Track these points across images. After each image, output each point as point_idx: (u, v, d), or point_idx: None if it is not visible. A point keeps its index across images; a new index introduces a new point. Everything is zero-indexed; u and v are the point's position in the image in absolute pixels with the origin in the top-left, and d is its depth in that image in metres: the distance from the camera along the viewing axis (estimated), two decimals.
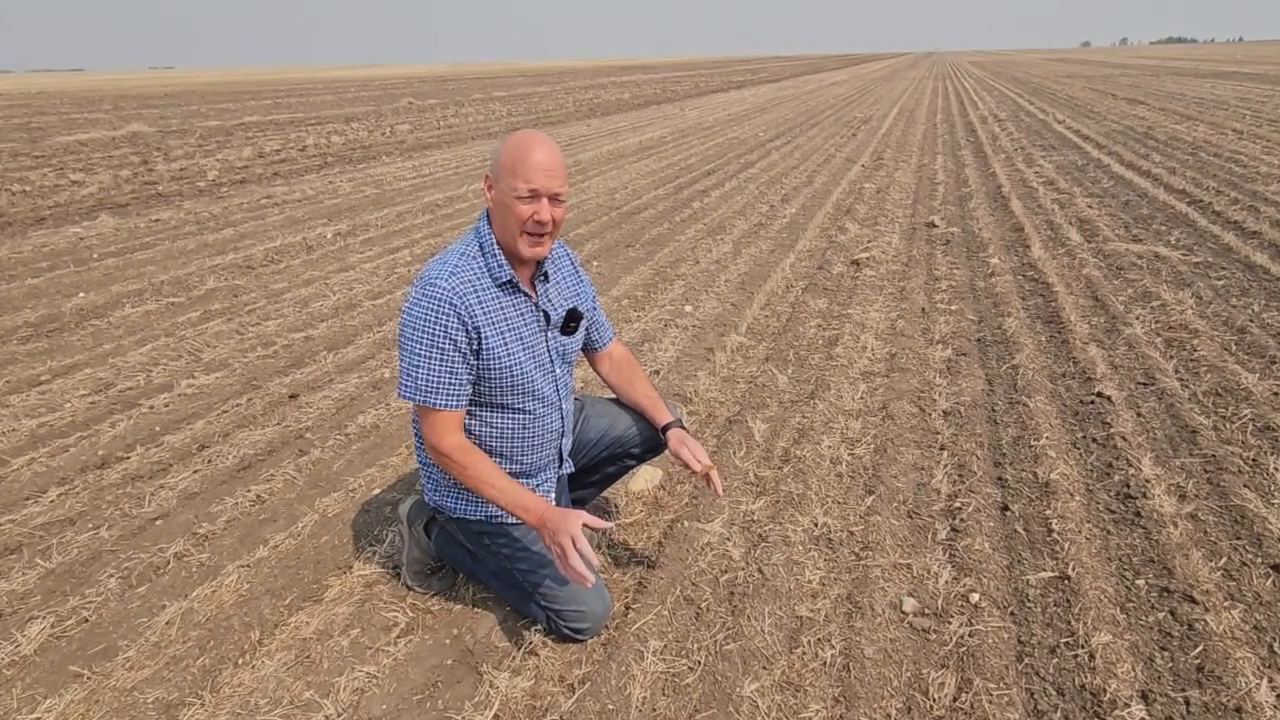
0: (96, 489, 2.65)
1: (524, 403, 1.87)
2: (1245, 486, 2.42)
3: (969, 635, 1.87)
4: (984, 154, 9.92)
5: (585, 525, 1.70)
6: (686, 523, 2.33)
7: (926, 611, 1.97)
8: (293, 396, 3.35)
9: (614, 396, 2.20)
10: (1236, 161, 8.19)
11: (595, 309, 2.08)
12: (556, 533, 1.69)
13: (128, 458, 2.85)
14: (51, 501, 2.57)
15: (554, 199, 1.73)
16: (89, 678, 1.81)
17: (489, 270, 1.78)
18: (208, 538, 2.36)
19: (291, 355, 3.83)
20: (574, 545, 1.66)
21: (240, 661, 1.86)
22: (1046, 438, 2.76)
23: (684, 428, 2.04)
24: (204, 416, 3.17)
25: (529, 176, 1.68)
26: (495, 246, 1.78)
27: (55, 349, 3.98)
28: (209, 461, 2.82)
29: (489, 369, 1.79)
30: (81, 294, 4.89)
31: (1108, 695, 1.67)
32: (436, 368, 1.73)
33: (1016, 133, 11.97)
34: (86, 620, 2.01)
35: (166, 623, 1.97)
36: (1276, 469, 2.52)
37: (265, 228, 6.75)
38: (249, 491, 2.60)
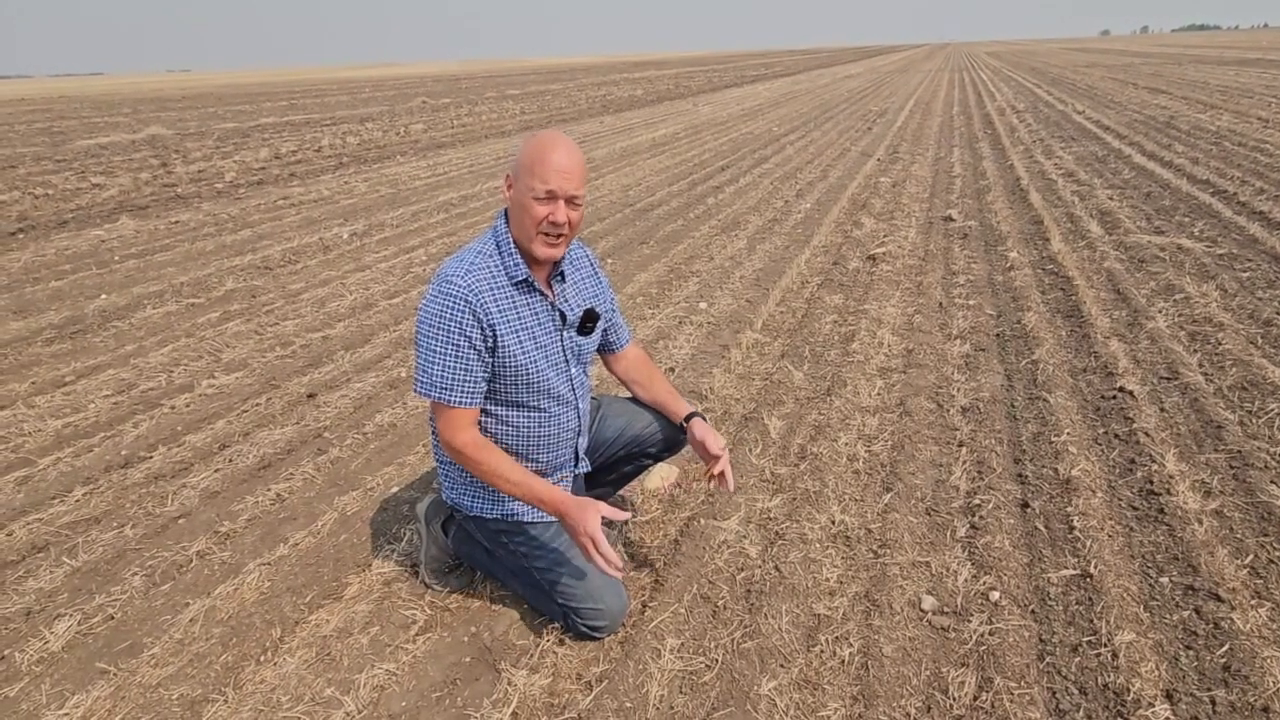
0: (120, 488, 2.69)
1: (539, 401, 1.88)
2: (1272, 483, 2.37)
3: (989, 634, 1.85)
4: (1002, 146, 9.80)
5: (604, 518, 1.70)
6: (703, 520, 2.33)
7: (946, 609, 1.95)
8: (311, 396, 3.38)
9: (631, 396, 2.20)
10: (1262, 150, 8.03)
11: (613, 311, 2.08)
12: (575, 532, 1.70)
13: (150, 457, 2.89)
14: (77, 501, 2.62)
15: (570, 201, 1.73)
16: (115, 674, 1.84)
17: (505, 269, 1.79)
18: (229, 536, 2.39)
19: (309, 355, 3.87)
20: (595, 548, 1.67)
21: (262, 659, 1.88)
22: (1067, 433, 2.72)
23: (703, 420, 2.04)
24: (224, 416, 3.21)
25: (546, 178, 1.68)
26: (512, 245, 1.79)
27: (79, 350, 4.05)
28: (230, 461, 2.85)
29: (504, 367, 1.79)
30: (103, 296, 4.96)
31: (1131, 694, 1.64)
32: (452, 365, 1.73)
33: (1035, 124, 11.81)
34: (112, 618, 2.04)
35: (190, 620, 2.00)
36: None
37: (282, 228, 6.82)
38: (269, 490, 2.63)
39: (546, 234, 1.73)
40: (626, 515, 1.79)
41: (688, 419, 2.04)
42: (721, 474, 1.95)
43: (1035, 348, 3.50)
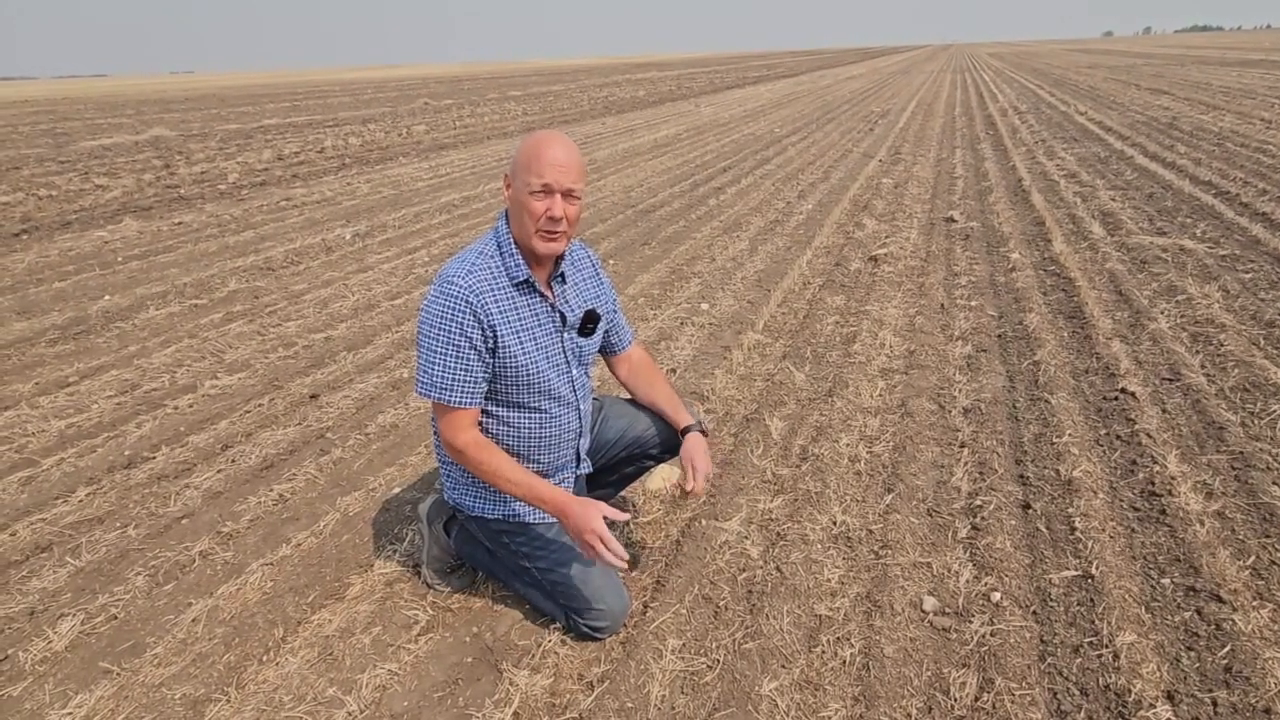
0: (124, 488, 2.70)
1: (540, 402, 1.88)
2: (1274, 484, 2.37)
3: (990, 634, 1.85)
4: (1004, 147, 9.80)
5: (605, 517, 1.71)
6: (704, 521, 2.33)
7: (947, 610, 1.96)
8: (313, 396, 3.39)
9: (632, 397, 2.20)
10: (1265, 151, 8.02)
11: (615, 312, 2.08)
12: (580, 531, 1.70)
13: (153, 458, 2.90)
14: (80, 501, 2.63)
15: (567, 195, 1.73)
16: (118, 674, 1.85)
17: (506, 270, 1.79)
18: (232, 536, 2.40)
19: (312, 356, 3.88)
20: (601, 544, 1.67)
21: (265, 658, 1.89)
22: (1069, 435, 2.72)
23: (704, 432, 2.03)
24: (227, 417, 3.22)
25: (541, 172, 1.69)
26: (513, 246, 1.79)
27: (82, 351, 4.06)
28: (232, 461, 2.86)
29: (504, 367, 1.80)
30: (107, 297, 4.97)
31: (1132, 695, 1.65)
32: (452, 365, 1.74)
33: (1037, 125, 11.81)
34: (115, 618, 2.05)
35: (193, 620, 2.01)
36: None
37: (285, 229, 6.83)
38: (271, 491, 2.64)
39: (545, 230, 1.74)
40: (627, 516, 1.79)
41: (684, 432, 2.02)
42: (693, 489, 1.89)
43: (1037, 349, 3.50)
